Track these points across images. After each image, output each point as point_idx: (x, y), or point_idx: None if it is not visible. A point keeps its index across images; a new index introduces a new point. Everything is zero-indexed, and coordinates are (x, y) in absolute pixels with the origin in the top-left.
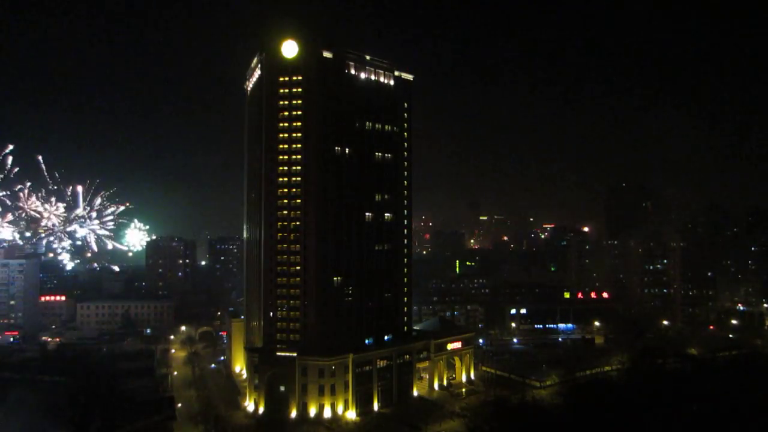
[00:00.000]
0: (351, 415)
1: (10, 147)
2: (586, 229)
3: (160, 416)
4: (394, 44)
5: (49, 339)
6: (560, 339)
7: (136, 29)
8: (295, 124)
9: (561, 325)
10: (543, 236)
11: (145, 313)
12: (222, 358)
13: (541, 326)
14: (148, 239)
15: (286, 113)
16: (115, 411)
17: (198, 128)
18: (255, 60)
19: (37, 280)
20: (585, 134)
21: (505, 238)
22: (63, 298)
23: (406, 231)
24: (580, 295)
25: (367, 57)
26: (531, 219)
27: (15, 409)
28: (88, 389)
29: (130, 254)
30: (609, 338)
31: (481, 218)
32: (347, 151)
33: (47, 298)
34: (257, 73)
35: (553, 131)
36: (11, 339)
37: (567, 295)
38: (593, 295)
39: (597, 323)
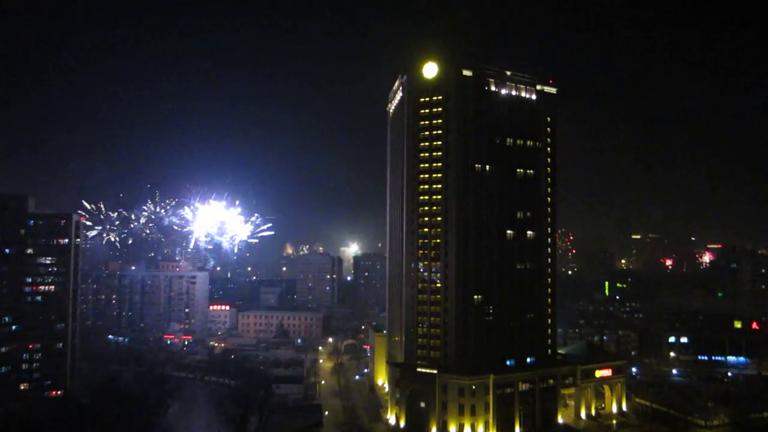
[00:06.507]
0: None
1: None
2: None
3: (310, 422)
4: (538, 54)
5: (215, 344)
6: (730, 374)
7: (288, 56)
8: (435, 143)
9: (731, 358)
10: (707, 258)
11: (297, 324)
12: (366, 370)
13: (705, 358)
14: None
15: (427, 133)
16: (270, 413)
17: (345, 149)
18: (396, 83)
19: (207, 290)
20: (758, 140)
21: (663, 259)
22: (227, 307)
23: (549, 249)
24: (755, 326)
25: (508, 72)
26: (693, 238)
27: (186, 405)
28: (247, 391)
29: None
30: None
31: (633, 237)
32: (488, 169)
33: (214, 307)
34: (399, 95)
35: (719, 138)
36: (185, 342)
37: (738, 325)
38: None
39: None
